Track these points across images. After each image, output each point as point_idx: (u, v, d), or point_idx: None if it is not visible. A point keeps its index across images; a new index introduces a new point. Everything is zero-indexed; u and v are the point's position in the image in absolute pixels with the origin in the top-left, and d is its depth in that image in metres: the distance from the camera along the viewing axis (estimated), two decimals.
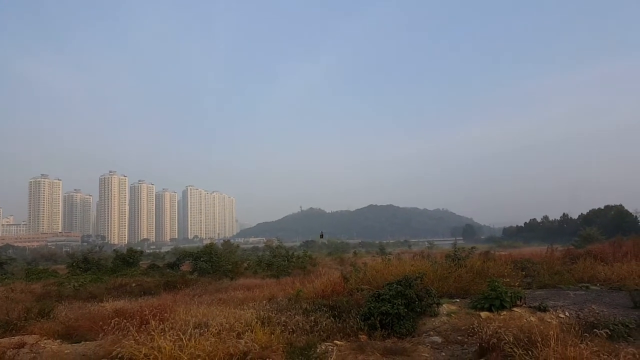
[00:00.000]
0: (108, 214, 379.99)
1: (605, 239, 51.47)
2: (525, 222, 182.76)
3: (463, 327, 10.71)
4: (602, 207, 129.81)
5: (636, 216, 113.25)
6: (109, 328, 10.03)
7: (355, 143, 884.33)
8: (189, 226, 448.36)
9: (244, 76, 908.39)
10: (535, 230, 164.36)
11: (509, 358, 7.12)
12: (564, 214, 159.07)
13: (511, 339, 7.65)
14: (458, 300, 13.66)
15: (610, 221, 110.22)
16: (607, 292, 14.20)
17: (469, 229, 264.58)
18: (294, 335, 10.33)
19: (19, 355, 9.75)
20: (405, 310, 11.25)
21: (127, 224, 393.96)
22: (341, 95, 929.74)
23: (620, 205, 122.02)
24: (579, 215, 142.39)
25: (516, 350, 7.12)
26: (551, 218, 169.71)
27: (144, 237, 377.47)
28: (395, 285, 12.07)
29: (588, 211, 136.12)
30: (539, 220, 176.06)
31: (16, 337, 11.61)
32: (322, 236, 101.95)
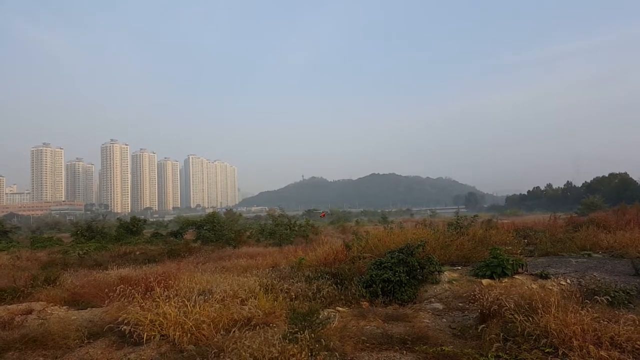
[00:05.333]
0: (110, 182, 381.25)
1: (608, 207, 51.43)
2: (529, 191, 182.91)
3: (464, 294, 10.77)
4: (606, 175, 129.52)
5: None
6: (115, 295, 10.13)
7: (357, 112, 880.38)
8: (192, 195, 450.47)
9: (245, 43, 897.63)
10: (539, 198, 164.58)
11: (510, 324, 7.16)
12: (567, 182, 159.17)
13: (512, 306, 7.67)
14: (460, 267, 13.72)
15: (614, 189, 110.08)
16: (609, 260, 14.21)
17: (472, 198, 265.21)
18: (297, 301, 10.43)
19: (27, 321, 9.88)
20: (407, 277, 11.31)
21: (129, 193, 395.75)
22: (343, 64, 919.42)
23: (625, 174, 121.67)
24: (583, 184, 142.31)
25: (517, 317, 7.15)
26: (555, 186, 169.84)
27: (147, 206, 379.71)
28: (397, 253, 12.11)
29: (592, 179, 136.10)
30: (542, 188, 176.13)
31: (23, 304, 11.75)
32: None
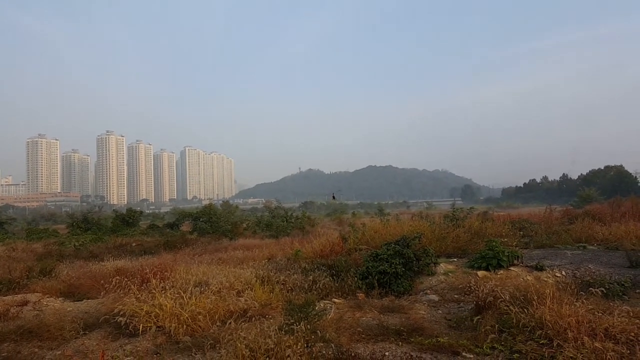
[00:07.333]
0: (106, 174, 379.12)
1: (604, 200, 51.63)
2: (525, 183, 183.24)
3: (460, 286, 10.82)
4: (602, 168, 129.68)
5: (636, 177, 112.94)
6: (111, 286, 10.14)
7: (355, 105, 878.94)
8: (188, 187, 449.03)
9: (243, 35, 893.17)
10: (535, 190, 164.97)
11: (505, 316, 7.20)
12: (563, 174, 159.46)
13: (507, 297, 7.71)
14: (455, 259, 13.77)
15: (609, 182, 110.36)
16: (604, 252, 14.29)
17: (468, 190, 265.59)
18: (293, 293, 10.47)
19: (22, 312, 9.88)
20: (403, 269, 11.33)
21: (125, 185, 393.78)
22: (341, 56, 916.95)
23: (620, 166, 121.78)
24: (579, 176, 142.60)
25: (512, 308, 7.19)
26: (550, 179, 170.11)
27: (143, 197, 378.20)
28: (393, 245, 12.13)
29: (588, 172, 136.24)
30: (538, 180, 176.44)
31: (19, 295, 11.76)
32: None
